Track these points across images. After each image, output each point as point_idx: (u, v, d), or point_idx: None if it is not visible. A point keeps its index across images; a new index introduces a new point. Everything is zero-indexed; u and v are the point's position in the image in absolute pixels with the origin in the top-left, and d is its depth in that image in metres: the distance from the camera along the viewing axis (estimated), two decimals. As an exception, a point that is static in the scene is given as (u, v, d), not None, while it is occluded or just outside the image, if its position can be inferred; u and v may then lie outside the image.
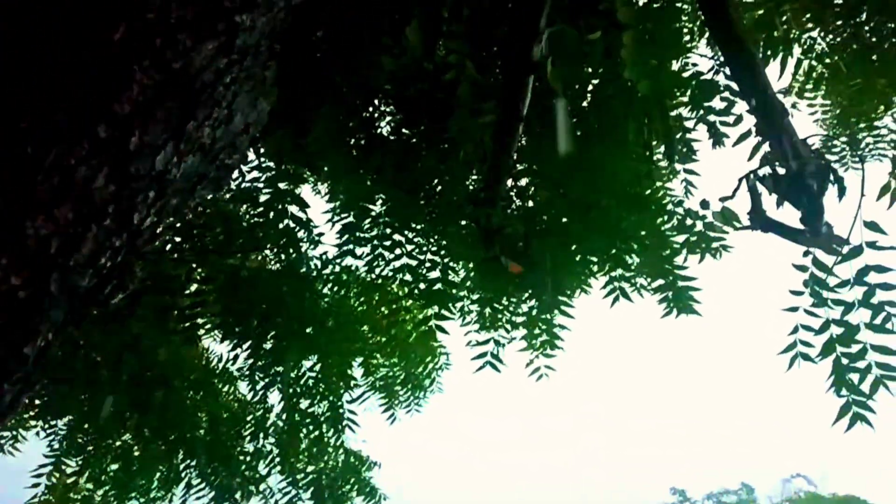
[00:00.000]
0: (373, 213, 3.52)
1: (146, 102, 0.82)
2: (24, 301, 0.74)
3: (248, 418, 4.84)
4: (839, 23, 3.35)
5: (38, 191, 0.73)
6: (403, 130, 3.61)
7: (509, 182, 3.35)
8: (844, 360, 1.92)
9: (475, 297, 3.67)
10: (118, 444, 4.94)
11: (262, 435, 4.77)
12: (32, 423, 4.69)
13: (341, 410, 4.47)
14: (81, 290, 0.82)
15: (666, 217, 3.35)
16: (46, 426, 4.56)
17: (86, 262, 0.80)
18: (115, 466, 4.90)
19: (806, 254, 2.00)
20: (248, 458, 4.75)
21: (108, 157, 0.79)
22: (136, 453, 4.90)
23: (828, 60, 3.71)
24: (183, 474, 4.68)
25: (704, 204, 2.91)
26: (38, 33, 0.75)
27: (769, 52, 3.11)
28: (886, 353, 1.92)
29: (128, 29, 0.80)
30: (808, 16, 3.23)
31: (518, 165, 3.36)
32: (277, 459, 4.73)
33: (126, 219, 0.84)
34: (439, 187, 3.56)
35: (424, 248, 3.35)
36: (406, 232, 3.44)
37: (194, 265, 3.95)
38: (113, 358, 4.17)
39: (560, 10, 2.29)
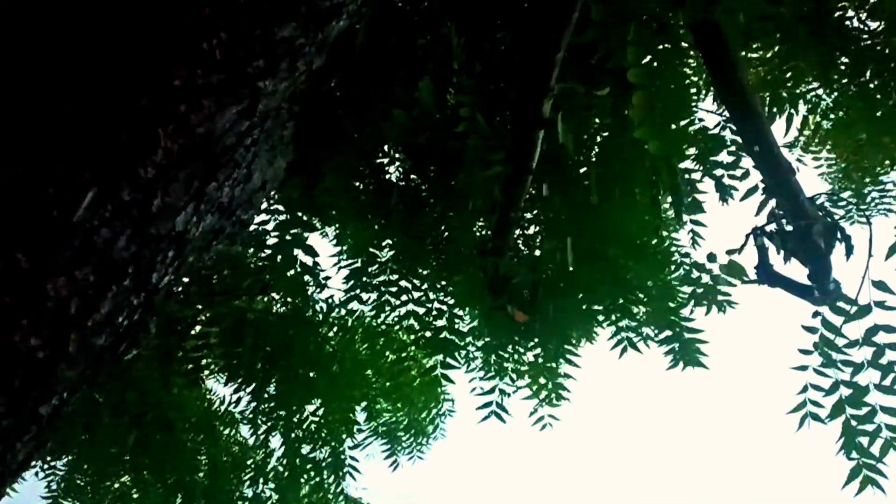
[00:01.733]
0: (380, 259, 3.54)
1: (170, 166, 0.84)
2: (41, 361, 0.74)
3: (249, 462, 4.79)
4: (844, 80, 3.40)
5: (60, 253, 0.74)
6: (412, 177, 3.65)
7: (517, 231, 3.38)
8: (854, 422, 1.90)
9: (480, 344, 3.67)
10: (116, 486, 4.88)
11: (261, 480, 4.71)
12: (31, 462, 4.64)
13: (343, 456, 4.42)
14: (98, 350, 0.83)
15: (672, 268, 3.36)
16: (46, 466, 4.51)
17: (104, 321, 0.81)
18: (109, 505, 4.84)
19: (815, 314, 1.99)
20: (247, 504, 4.68)
21: (131, 219, 0.80)
22: (135, 496, 4.85)
23: (832, 116, 3.76)
24: (180, 519, 4.61)
25: (711, 257, 2.92)
26: (68, 99, 0.78)
27: (775, 109, 3.16)
28: (897, 415, 1.90)
29: (155, 95, 0.82)
30: (813, 73, 3.29)
31: (526, 214, 3.39)
32: (277, 506, 4.65)
33: (145, 279, 0.86)
34: (447, 234, 3.58)
35: (431, 296, 3.36)
36: (413, 279, 3.45)
37: (200, 307, 3.97)
38: (115, 399, 4.16)
39: (569, 66, 2.34)
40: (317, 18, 1.04)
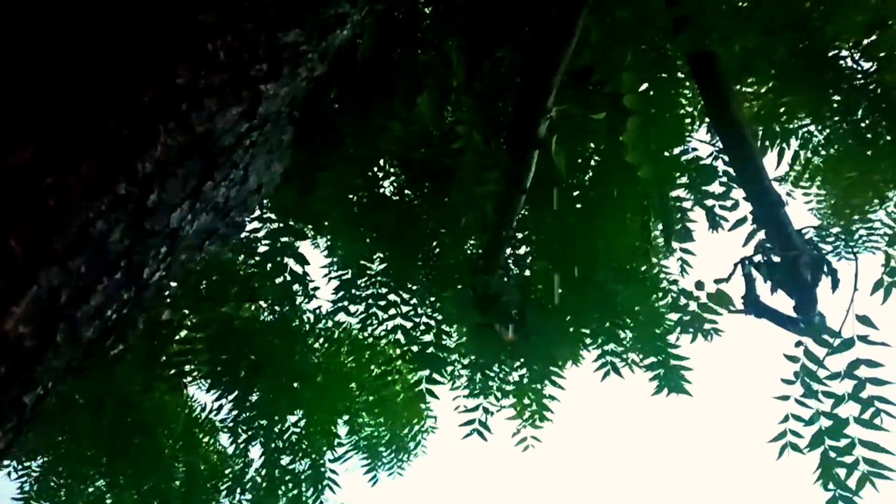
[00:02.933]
0: (370, 272, 3.54)
1: (168, 162, 0.85)
2: (29, 350, 0.74)
3: (227, 472, 4.73)
4: (836, 118, 3.45)
5: (55, 242, 0.75)
6: (406, 191, 3.66)
7: (508, 250, 3.39)
8: (832, 454, 1.92)
9: (466, 361, 3.66)
10: (91, 489, 4.81)
11: (239, 490, 4.65)
12: (6, 462, 4.58)
13: (322, 469, 4.37)
14: (85, 341, 0.83)
15: (660, 294, 3.38)
16: (20, 467, 4.44)
17: (93, 314, 0.81)
18: (85, 510, 4.77)
19: (798, 344, 2.01)
20: (223, 515, 4.62)
21: (126, 212, 0.81)
22: (109, 501, 4.77)
23: (823, 152, 3.81)
24: (155, 526, 4.55)
25: (699, 285, 2.94)
26: (72, 91, 0.78)
27: (767, 143, 3.20)
28: (875, 449, 1.92)
29: (158, 92, 0.83)
30: (806, 110, 3.34)
31: (517, 234, 3.40)
32: (253, 518, 4.59)
33: (137, 273, 0.86)
34: (438, 250, 3.59)
35: (420, 311, 3.36)
36: (402, 293, 3.45)
37: (186, 311, 3.94)
38: (95, 401, 4.11)
39: (566, 89, 2.37)
40: (321, 26, 1.06)
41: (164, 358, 3.94)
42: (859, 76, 3.26)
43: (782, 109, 3.40)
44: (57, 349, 0.78)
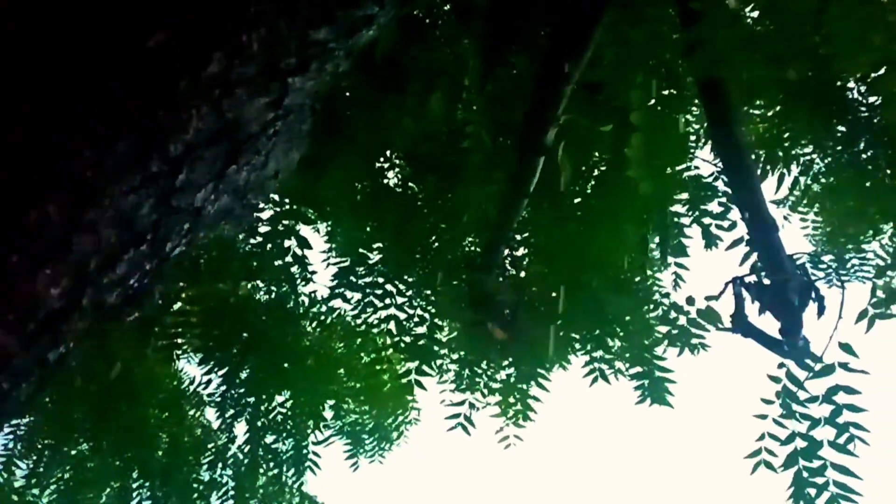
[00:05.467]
0: (369, 261, 3.58)
1: (198, 145, 0.90)
2: (56, 311, 0.79)
3: (210, 446, 4.77)
4: (838, 148, 3.51)
5: (89, 211, 0.80)
6: (410, 184, 3.70)
7: (506, 251, 3.44)
8: (805, 474, 1.98)
9: (455, 356, 3.71)
10: (74, 452, 4.85)
11: (220, 465, 4.69)
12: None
13: (305, 451, 4.42)
14: (107, 307, 0.88)
15: (652, 306, 3.44)
16: (10, 425, 4.48)
17: (117, 281, 0.86)
18: (66, 476, 4.80)
19: (781, 366, 2.07)
20: (202, 488, 4.65)
21: (156, 189, 0.86)
22: (91, 465, 4.81)
23: (823, 180, 3.86)
24: (135, 494, 4.59)
25: (690, 300, 3.00)
26: (114, 71, 0.83)
27: (769, 167, 3.26)
28: (845, 473, 1.98)
29: (193, 79, 0.88)
30: (809, 137, 3.40)
31: (516, 236, 3.45)
32: (232, 493, 4.63)
33: (160, 246, 0.91)
34: (437, 244, 3.63)
35: (415, 303, 3.41)
36: (398, 284, 3.50)
37: (183, 284, 3.97)
38: (86, 365, 4.15)
39: (576, 98, 2.42)
40: (349, 26, 1.11)
41: (157, 328, 3.97)
42: (863, 109, 3.32)
43: (786, 135, 3.46)
44: (82, 312, 0.83)
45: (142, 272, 0.91)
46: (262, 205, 2.95)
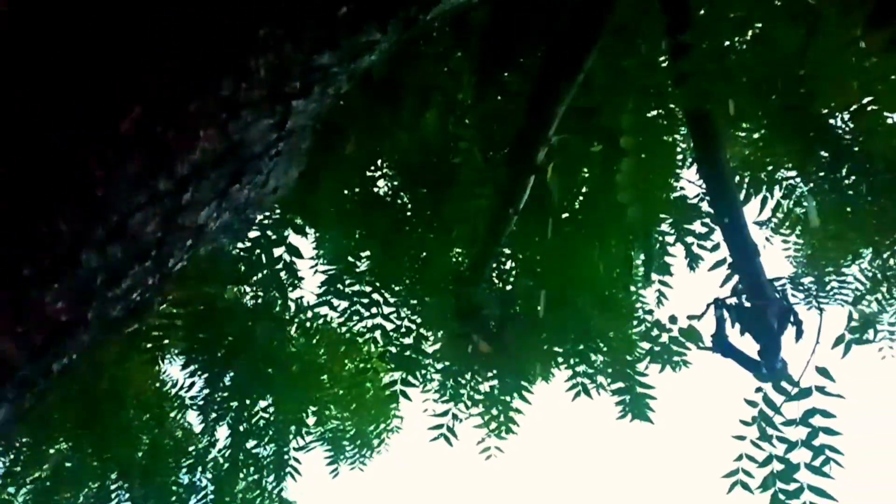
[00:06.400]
0: (357, 269, 3.61)
1: (204, 165, 0.93)
2: (63, 325, 0.82)
3: (190, 449, 4.75)
4: (821, 174, 3.58)
5: (98, 228, 0.82)
6: (400, 194, 3.73)
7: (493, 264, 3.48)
8: (782, 496, 2.03)
9: (439, 366, 3.74)
10: (52, 451, 4.81)
11: (200, 469, 4.68)
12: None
13: (286, 457, 4.42)
14: (110, 320, 0.90)
15: (635, 323, 3.49)
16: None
17: (121, 296, 0.89)
18: (44, 475, 4.77)
19: (758, 390, 2.12)
20: (182, 491, 4.64)
21: (163, 208, 0.89)
22: (69, 465, 4.78)
23: (805, 204, 3.94)
24: (113, 495, 4.57)
25: (673, 319, 3.06)
26: (125, 94, 0.86)
27: (752, 190, 3.33)
28: (821, 495, 2.03)
29: (203, 101, 0.91)
30: (792, 162, 3.46)
31: (505, 250, 3.50)
32: (211, 497, 4.62)
33: (164, 262, 0.94)
34: (424, 255, 3.66)
35: (402, 313, 3.43)
36: (385, 293, 3.53)
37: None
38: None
39: (567, 118, 2.47)
40: (352, 51, 1.14)
41: (142, 330, 3.96)
42: (846, 136, 3.40)
43: (769, 159, 3.53)
44: (87, 326, 0.85)
45: (144, 287, 0.93)
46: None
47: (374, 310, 3.51)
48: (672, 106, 2.45)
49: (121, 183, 0.84)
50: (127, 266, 0.87)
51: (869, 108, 2.32)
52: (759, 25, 1.86)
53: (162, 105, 0.88)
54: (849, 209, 3.71)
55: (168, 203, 0.89)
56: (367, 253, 3.63)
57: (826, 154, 3.50)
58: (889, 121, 2.66)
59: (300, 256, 3.01)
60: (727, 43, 1.85)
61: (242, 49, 0.96)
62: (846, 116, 3.39)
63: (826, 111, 3.30)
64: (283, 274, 3.54)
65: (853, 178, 3.59)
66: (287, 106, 1.04)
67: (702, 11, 1.79)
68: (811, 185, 3.68)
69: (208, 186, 0.95)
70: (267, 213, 3.33)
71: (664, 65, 1.98)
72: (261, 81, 0.98)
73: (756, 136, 3.59)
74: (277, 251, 3.20)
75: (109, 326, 0.92)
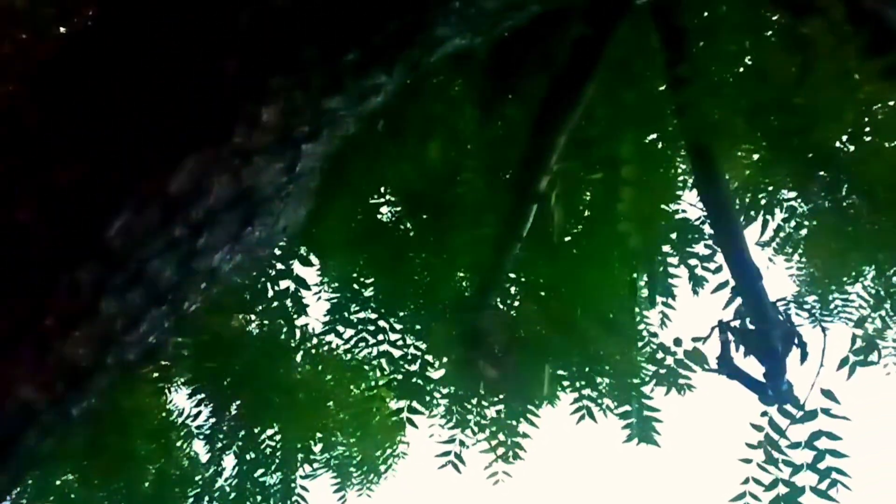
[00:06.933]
0: (362, 297, 3.62)
1: (218, 211, 0.96)
2: (83, 370, 0.84)
3: (196, 479, 4.73)
4: (822, 193, 3.61)
5: (117, 276, 0.85)
6: (403, 221, 3.76)
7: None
8: (788, 519, 2.03)
9: (444, 391, 3.74)
10: (58, 482, 4.80)
11: (206, 498, 4.65)
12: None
13: (293, 485, 4.41)
14: (127, 364, 0.93)
15: (640, 345, 3.49)
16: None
17: (139, 340, 0.91)
18: (50, 506, 4.74)
19: (763, 414, 2.13)
20: (187, 522, 4.61)
21: (179, 253, 0.92)
22: (74, 497, 4.76)
23: (807, 224, 3.96)
24: (120, 526, 4.55)
25: (678, 341, 3.07)
26: (142, 146, 0.90)
27: (752, 212, 3.35)
28: (827, 518, 2.03)
29: (217, 149, 0.94)
30: (792, 184, 3.49)
31: (509, 274, 3.51)
32: (217, 526, 4.59)
33: (179, 305, 0.96)
34: (428, 280, 3.68)
35: (408, 340, 3.44)
36: (391, 320, 3.54)
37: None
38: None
39: (568, 146, 2.51)
40: (360, 94, 1.18)
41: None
42: (844, 157, 3.42)
43: (768, 180, 3.55)
44: (106, 370, 0.88)
45: (161, 330, 0.96)
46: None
47: (380, 336, 3.52)
48: (674, 137, 2.48)
49: (139, 231, 0.87)
50: (144, 311, 0.90)
51: (867, 137, 2.36)
52: (755, 57, 1.90)
53: (178, 153, 0.91)
54: (850, 228, 3.72)
55: (184, 248, 0.92)
56: (372, 280, 3.64)
57: (825, 174, 3.52)
58: (886, 144, 2.69)
59: (307, 288, 3.03)
60: (724, 75, 1.89)
61: (254, 98, 0.99)
62: (844, 138, 3.42)
63: (821, 133, 3.33)
64: (288, 302, 3.56)
65: (853, 197, 3.61)
66: (297, 150, 1.08)
67: (700, 44, 1.83)
68: (812, 205, 3.71)
69: (222, 231, 0.98)
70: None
71: (664, 96, 2.02)
72: (272, 128, 1.02)
73: (756, 157, 3.62)
74: (284, 283, 3.23)
75: (126, 369, 0.95)
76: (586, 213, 3.40)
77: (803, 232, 3.97)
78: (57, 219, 0.84)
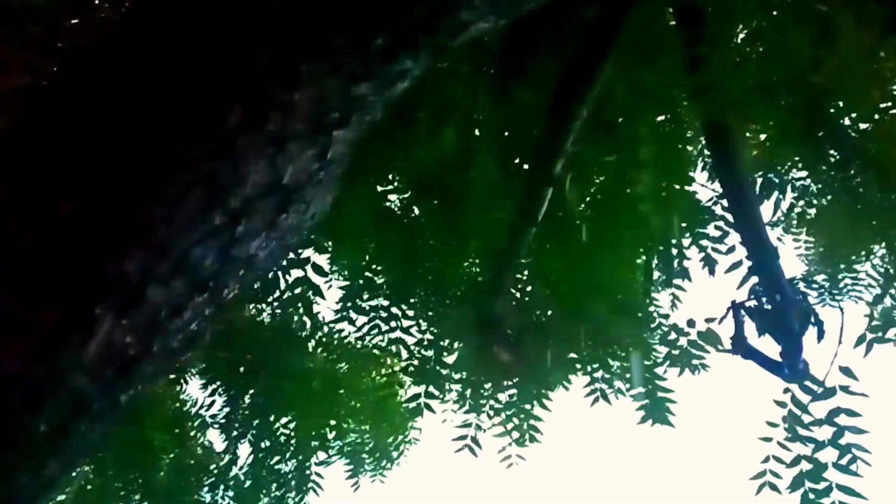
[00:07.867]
0: (374, 283, 3.62)
1: (255, 198, 0.96)
2: (131, 357, 0.86)
3: (212, 467, 4.77)
4: (832, 172, 3.60)
5: (162, 265, 0.86)
6: (414, 207, 3.75)
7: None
8: (811, 496, 2.04)
9: (457, 376, 3.75)
10: (75, 473, 4.83)
11: (222, 486, 4.69)
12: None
13: (308, 472, 4.44)
14: (171, 351, 0.94)
15: (652, 327, 3.49)
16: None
17: (182, 327, 0.92)
18: (68, 498, 4.79)
19: (786, 391, 2.14)
20: (203, 510, 4.65)
21: (219, 241, 0.92)
22: (90, 488, 4.80)
23: (816, 203, 3.95)
24: (136, 516, 4.59)
25: (691, 322, 3.08)
26: (180, 136, 0.90)
27: (764, 193, 3.35)
28: (850, 493, 2.05)
29: (252, 137, 0.95)
30: (803, 163, 3.49)
31: (521, 259, 3.51)
32: (233, 515, 4.64)
33: (219, 293, 0.97)
34: (440, 265, 3.67)
35: (423, 326, 3.45)
36: (404, 307, 3.54)
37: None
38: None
39: (583, 129, 2.50)
40: (387, 80, 1.18)
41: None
42: (855, 135, 3.42)
43: (778, 159, 3.55)
44: (152, 357, 0.89)
45: (202, 318, 0.97)
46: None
47: (393, 323, 3.52)
48: (690, 118, 2.47)
49: (181, 220, 0.88)
50: (187, 299, 0.91)
51: (887, 115, 2.34)
52: (772, 36, 1.89)
53: (215, 142, 0.92)
54: (859, 206, 3.72)
55: (224, 236, 0.93)
56: (383, 266, 3.64)
57: (835, 152, 3.52)
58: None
59: (324, 275, 3.03)
60: (741, 56, 1.88)
61: (287, 85, 1.00)
62: (854, 115, 3.41)
63: (833, 111, 3.32)
64: (298, 291, 3.56)
65: (862, 176, 3.60)
66: (328, 137, 1.08)
67: (716, 23, 1.82)
68: (821, 185, 3.70)
69: (258, 218, 0.99)
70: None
71: (679, 76, 2.01)
72: (304, 115, 1.02)
73: (764, 136, 3.61)
74: (299, 272, 3.23)
75: (170, 356, 0.96)
76: (599, 197, 3.40)
77: (813, 211, 3.97)
78: (100, 209, 0.85)
